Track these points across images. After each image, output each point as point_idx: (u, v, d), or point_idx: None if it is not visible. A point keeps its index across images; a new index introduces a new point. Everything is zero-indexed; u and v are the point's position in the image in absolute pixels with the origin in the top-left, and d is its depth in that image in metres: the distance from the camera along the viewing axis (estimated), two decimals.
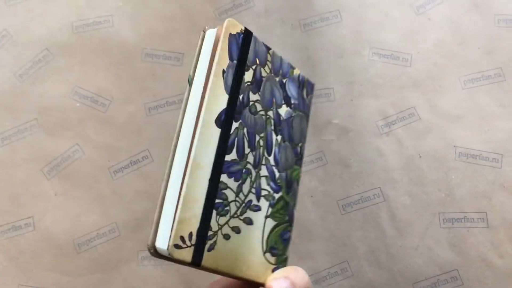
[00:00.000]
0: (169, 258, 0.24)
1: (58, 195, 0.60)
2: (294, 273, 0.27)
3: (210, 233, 0.25)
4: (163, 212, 0.24)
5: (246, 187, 0.26)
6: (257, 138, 0.27)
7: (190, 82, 0.26)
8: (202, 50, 0.26)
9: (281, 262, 0.28)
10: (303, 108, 0.29)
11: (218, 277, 0.31)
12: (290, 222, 0.28)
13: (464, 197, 0.58)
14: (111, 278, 0.58)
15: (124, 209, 0.60)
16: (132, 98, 0.63)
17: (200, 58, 0.26)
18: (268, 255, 0.27)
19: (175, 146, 0.26)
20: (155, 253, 0.24)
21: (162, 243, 0.24)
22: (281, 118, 0.28)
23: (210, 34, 0.26)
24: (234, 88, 0.26)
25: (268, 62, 0.28)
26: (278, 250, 0.27)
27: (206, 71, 0.25)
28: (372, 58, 0.64)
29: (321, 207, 0.59)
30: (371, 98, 0.63)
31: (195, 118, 0.25)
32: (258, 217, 0.27)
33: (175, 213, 0.24)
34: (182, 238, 0.24)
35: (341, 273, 0.57)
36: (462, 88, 0.62)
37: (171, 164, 0.26)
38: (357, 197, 0.59)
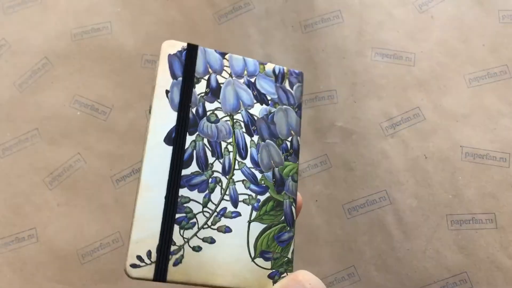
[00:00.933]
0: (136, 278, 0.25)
1: (61, 205, 0.59)
2: (292, 283, 0.25)
3: (174, 248, 0.25)
4: (131, 233, 0.25)
5: (216, 196, 0.26)
6: (224, 144, 0.27)
7: (150, 111, 0.27)
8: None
9: (281, 265, 0.26)
10: (287, 101, 0.28)
11: None
12: (287, 221, 0.26)
13: (472, 198, 0.57)
14: None
15: (128, 218, 0.59)
16: (133, 105, 0.63)
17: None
18: (259, 260, 0.25)
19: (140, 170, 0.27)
20: (131, 277, 0.25)
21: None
22: (255, 118, 0.27)
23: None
24: (182, 104, 0.26)
25: (225, 68, 0.27)
26: (274, 253, 0.26)
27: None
28: (375, 58, 0.63)
29: (326, 212, 0.58)
30: (374, 99, 0.62)
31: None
32: (238, 224, 0.26)
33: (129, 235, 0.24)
34: (139, 257, 0.24)
35: (348, 278, 0.56)
36: (467, 86, 0.61)
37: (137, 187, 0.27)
38: (363, 201, 0.58)
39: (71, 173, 0.60)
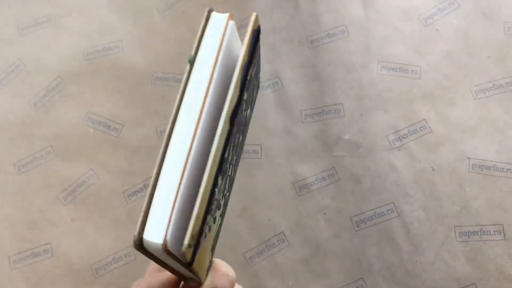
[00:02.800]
0: (151, 255, 0.24)
1: (75, 221, 0.61)
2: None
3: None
4: (155, 202, 0.24)
5: (222, 186, 0.27)
6: (236, 137, 0.28)
7: (191, 62, 0.26)
8: (208, 32, 0.26)
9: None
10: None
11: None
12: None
13: (480, 209, 0.58)
14: None
15: None
16: (144, 121, 0.64)
17: (204, 40, 0.26)
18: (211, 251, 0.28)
19: (171, 128, 0.26)
20: (139, 246, 0.24)
21: (155, 237, 0.23)
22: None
23: (220, 18, 0.27)
24: (244, 87, 0.26)
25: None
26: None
27: (214, 58, 0.25)
28: (381, 72, 0.63)
29: (334, 224, 0.59)
30: (381, 112, 0.62)
31: (203, 100, 0.25)
32: (217, 215, 0.28)
33: (193, 209, 0.23)
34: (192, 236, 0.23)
35: None
36: (474, 98, 0.62)
37: (167, 143, 0.26)
38: (371, 213, 0.59)
39: (85, 189, 0.62)
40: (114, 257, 0.60)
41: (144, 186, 0.62)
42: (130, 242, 0.60)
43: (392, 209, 0.59)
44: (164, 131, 0.64)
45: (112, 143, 0.64)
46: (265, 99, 0.64)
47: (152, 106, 0.65)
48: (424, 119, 0.62)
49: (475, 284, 0.55)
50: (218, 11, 0.27)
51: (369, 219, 0.59)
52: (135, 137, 0.64)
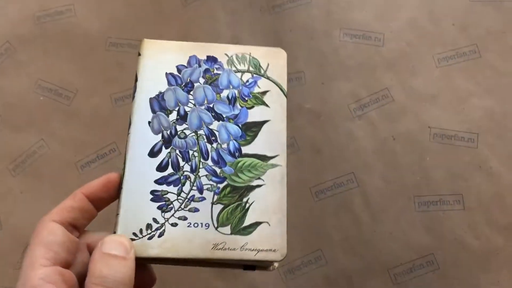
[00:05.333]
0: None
1: (24, 193, 0.58)
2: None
3: (157, 225, 0.34)
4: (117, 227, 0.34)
5: (186, 188, 0.36)
6: (191, 152, 0.37)
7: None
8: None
9: (238, 228, 0.35)
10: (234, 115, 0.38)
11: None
12: (240, 198, 0.36)
13: (440, 179, 0.57)
14: None
15: None
16: (97, 89, 0.62)
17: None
18: (221, 229, 0.35)
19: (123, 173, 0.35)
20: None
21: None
22: (214, 130, 0.37)
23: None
24: (159, 129, 0.36)
25: (190, 100, 0.38)
26: (233, 223, 0.35)
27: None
28: (343, 39, 0.62)
29: (293, 195, 0.57)
30: (343, 80, 0.61)
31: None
32: (204, 205, 0.35)
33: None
34: (134, 233, 0.34)
35: (315, 262, 0.56)
36: (436, 66, 0.60)
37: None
38: (330, 183, 0.58)
39: (35, 160, 0.59)
40: None
41: (98, 156, 0.60)
42: None
43: (352, 179, 0.58)
44: (120, 99, 0.61)
45: (64, 111, 0.61)
46: None
47: (106, 73, 0.62)
48: (386, 88, 0.60)
49: (433, 253, 0.55)
50: None
51: (329, 189, 0.58)
52: (88, 105, 0.61)
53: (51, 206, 0.29)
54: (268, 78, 0.37)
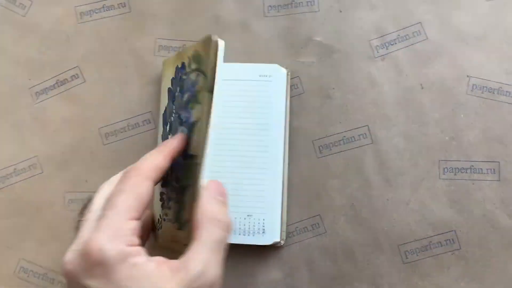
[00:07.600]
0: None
1: None
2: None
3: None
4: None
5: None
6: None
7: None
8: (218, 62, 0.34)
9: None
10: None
11: None
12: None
13: (474, 141, 0.46)
14: (31, 223, 0.48)
15: (48, 140, 0.48)
16: None
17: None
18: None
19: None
20: None
21: None
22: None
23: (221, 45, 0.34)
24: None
25: (173, 110, 0.40)
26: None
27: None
28: None
29: (292, 148, 0.47)
30: (366, 9, 0.49)
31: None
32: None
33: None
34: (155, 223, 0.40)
35: (312, 230, 0.46)
36: (486, 0, 0.48)
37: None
38: (338, 137, 0.47)
39: None
40: (15, 169, 0.48)
41: (57, 82, 0.49)
42: (36, 151, 0.48)
43: (365, 133, 0.47)
44: (87, 13, 0.50)
45: (17, 23, 0.50)
46: None
47: None
48: (420, 22, 0.48)
49: (454, 231, 0.45)
50: None
51: (336, 144, 0.47)
52: (47, 18, 0.50)
53: None
54: (203, 73, 0.35)
